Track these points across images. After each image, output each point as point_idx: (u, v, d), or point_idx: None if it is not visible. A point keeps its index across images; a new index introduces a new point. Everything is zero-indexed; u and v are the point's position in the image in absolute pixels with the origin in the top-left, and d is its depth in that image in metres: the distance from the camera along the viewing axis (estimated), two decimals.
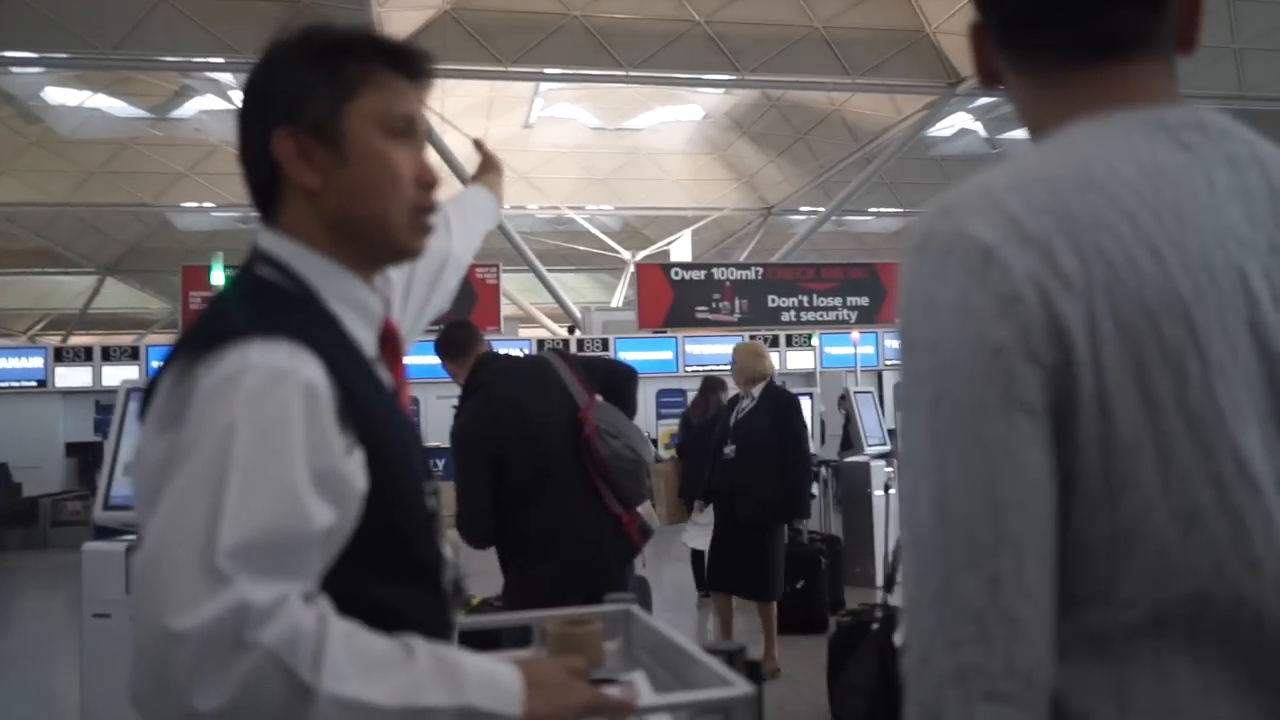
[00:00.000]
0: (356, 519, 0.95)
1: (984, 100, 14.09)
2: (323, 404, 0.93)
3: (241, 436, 0.87)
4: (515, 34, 11.65)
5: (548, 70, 12.33)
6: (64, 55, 11.35)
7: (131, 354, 13.25)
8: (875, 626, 3.63)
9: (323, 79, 1.06)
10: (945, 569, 0.69)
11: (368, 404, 1.00)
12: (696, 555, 7.07)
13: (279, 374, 0.92)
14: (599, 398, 3.28)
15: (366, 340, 1.09)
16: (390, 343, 1.15)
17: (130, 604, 0.91)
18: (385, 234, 1.08)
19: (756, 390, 5.32)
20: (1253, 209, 0.76)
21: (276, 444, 0.89)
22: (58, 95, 14.77)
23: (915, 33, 12.09)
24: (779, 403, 5.16)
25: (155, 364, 13.48)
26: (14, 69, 13.13)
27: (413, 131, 1.10)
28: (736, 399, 5.68)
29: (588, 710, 0.96)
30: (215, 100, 14.92)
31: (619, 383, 3.49)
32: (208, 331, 0.99)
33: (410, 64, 1.10)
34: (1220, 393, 0.70)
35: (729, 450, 5.30)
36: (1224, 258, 0.73)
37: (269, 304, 1.02)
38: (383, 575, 0.99)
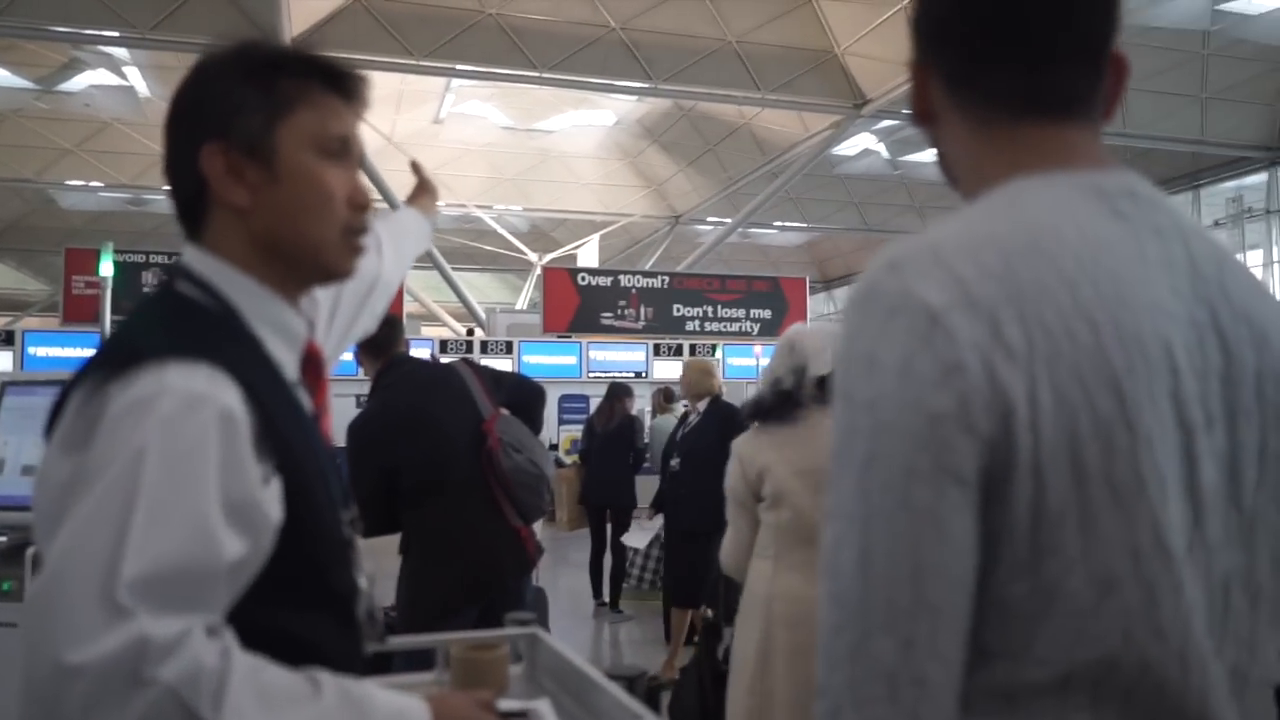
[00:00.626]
0: (269, 549, 0.92)
1: (887, 123, 14.47)
2: (240, 431, 0.90)
3: (152, 462, 0.84)
4: (428, 27, 11.49)
5: (460, 66, 12.19)
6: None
7: (6, 339, 12.48)
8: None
9: (256, 95, 1.03)
10: (862, 627, 0.70)
11: (286, 431, 0.97)
12: (595, 563, 7.10)
13: (195, 399, 0.88)
14: (505, 411, 3.25)
15: (288, 363, 1.07)
16: (313, 365, 1.12)
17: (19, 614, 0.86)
18: (316, 255, 1.06)
19: (703, 405, 5.47)
20: (1176, 282, 0.78)
21: (188, 472, 0.85)
22: None
23: (824, 53, 12.37)
24: (723, 416, 5.29)
25: (32, 350, 12.73)
26: None
27: (346, 152, 1.08)
28: (685, 414, 5.90)
29: None
30: (108, 75, 14.29)
31: (527, 398, 3.49)
32: (123, 350, 0.95)
33: (346, 84, 1.09)
34: (1145, 465, 0.72)
35: (674, 463, 5.45)
36: (1153, 330, 0.75)
37: (189, 325, 0.99)
38: (294, 606, 0.96)
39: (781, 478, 2.59)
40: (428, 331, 16.12)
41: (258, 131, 1.02)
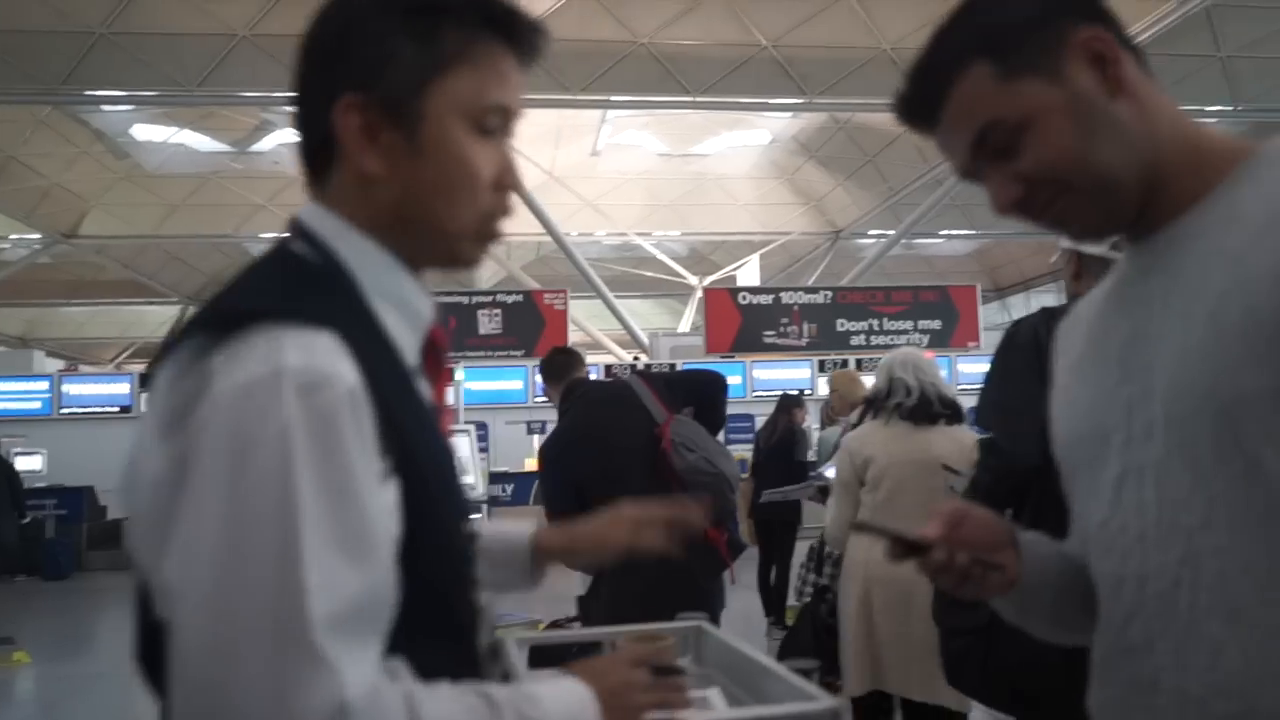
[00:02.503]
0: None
1: None
2: (366, 414, 0.76)
3: (301, 468, 0.71)
4: (582, 62, 11.80)
5: (614, 98, 12.48)
6: (152, 93, 11.85)
7: None
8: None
9: (410, 44, 0.86)
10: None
11: (408, 424, 0.82)
12: (763, 579, 6.99)
13: (322, 378, 0.74)
14: (689, 411, 3.32)
15: (409, 346, 0.90)
16: (434, 354, 0.96)
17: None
18: (445, 239, 0.91)
19: (854, 415, 5.39)
20: None
21: (340, 477, 0.73)
22: (145, 132, 15.38)
23: None
24: None
25: None
26: (105, 107, 13.72)
27: (504, 126, 0.92)
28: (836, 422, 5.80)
29: (653, 704, 0.89)
30: (293, 134, 15.34)
31: (704, 392, 3.53)
32: (228, 309, 0.81)
33: (521, 36, 0.91)
34: None
35: (828, 471, 5.39)
36: None
37: (304, 285, 0.84)
38: (407, 637, 0.79)
39: (884, 465, 3.31)
40: (593, 359, 16.42)
41: (405, 89, 0.86)
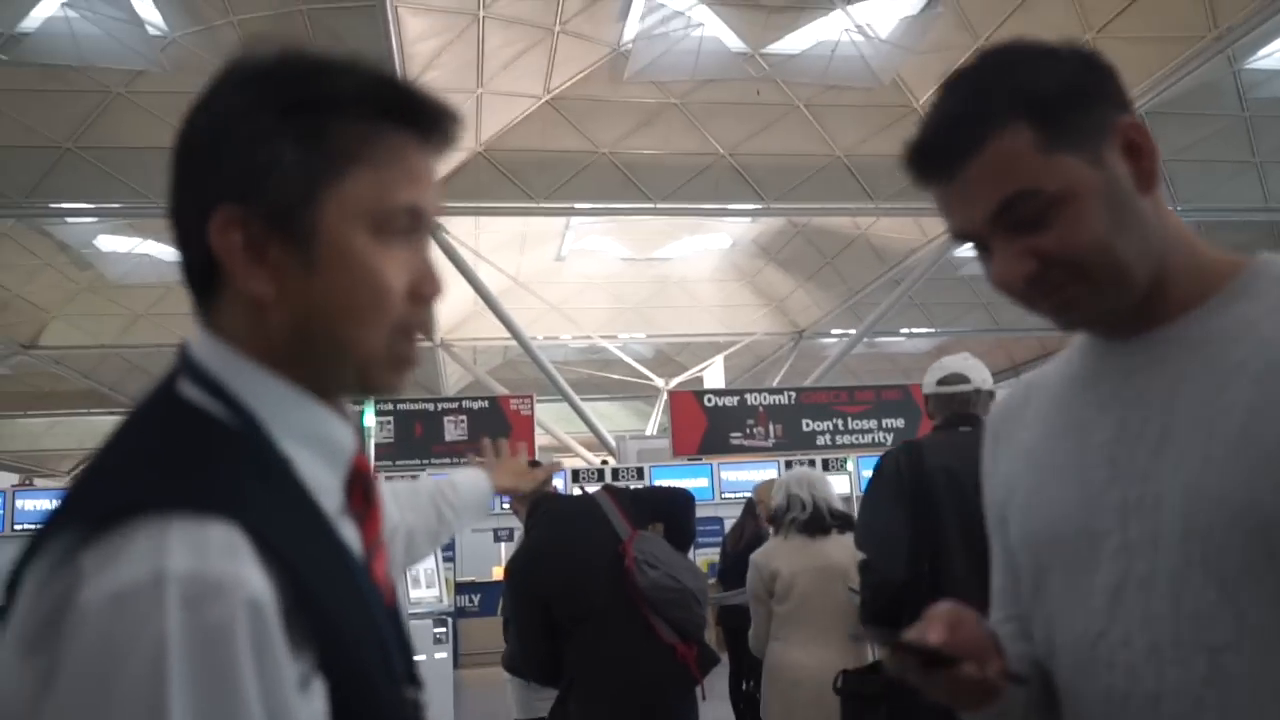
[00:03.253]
0: None
1: None
2: (270, 625, 0.64)
3: (179, 700, 0.59)
4: (546, 171, 12.08)
5: (578, 205, 12.72)
6: (117, 205, 11.90)
7: None
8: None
9: (295, 146, 0.73)
10: None
11: (329, 606, 0.70)
12: (734, 689, 6.84)
13: (214, 587, 0.62)
14: (658, 527, 3.38)
15: (329, 487, 0.78)
16: (361, 488, 0.82)
17: None
18: (354, 366, 0.77)
19: None
20: None
21: (229, 708, 0.61)
22: (109, 243, 15.41)
23: None
24: None
25: None
26: (69, 219, 13.75)
27: (416, 226, 0.78)
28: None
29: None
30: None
31: (671, 510, 3.58)
32: (102, 493, 0.68)
33: (429, 125, 0.78)
34: None
35: None
36: None
37: (196, 453, 0.70)
38: None
39: (789, 576, 3.67)
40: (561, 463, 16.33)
41: (294, 199, 0.73)
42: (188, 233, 0.76)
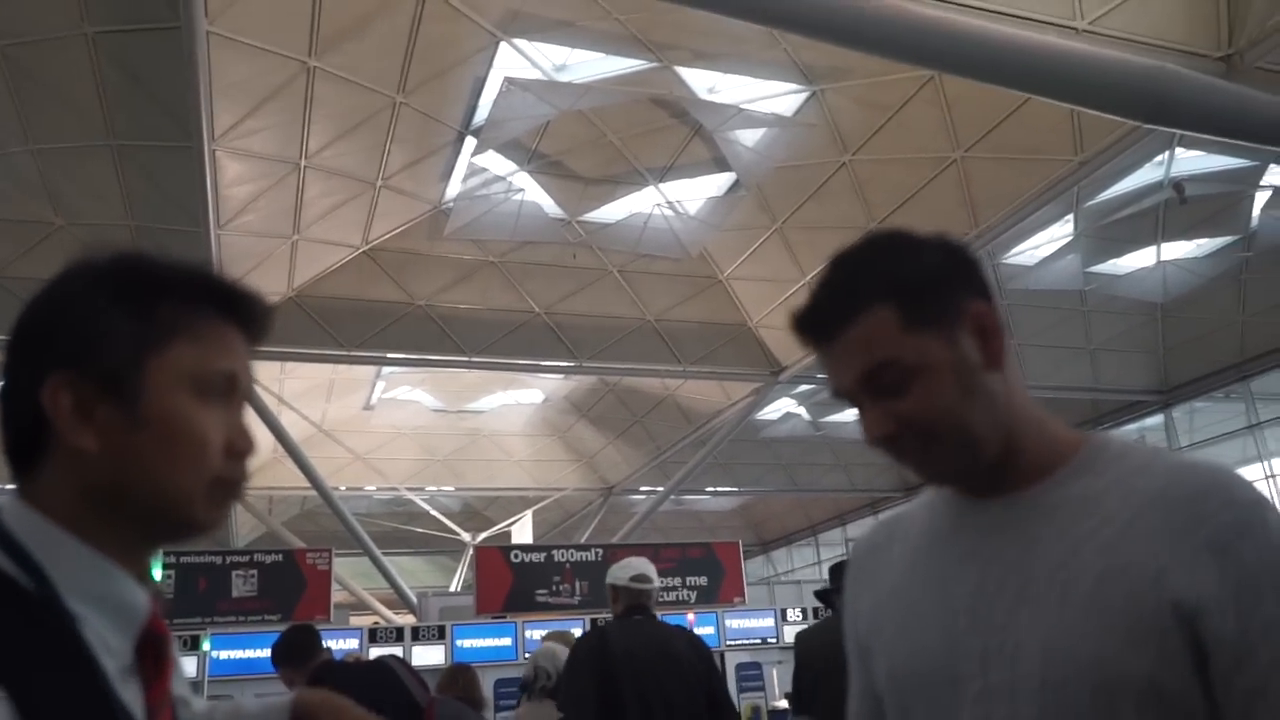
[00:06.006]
0: None
1: (805, 387, 15.17)
2: None
3: None
4: (359, 320, 11.96)
5: (390, 355, 12.61)
6: None
7: None
8: None
9: (127, 322, 0.84)
10: None
11: None
12: None
13: None
14: (454, 691, 3.32)
15: (117, 648, 0.82)
16: (153, 648, 0.86)
17: None
18: (173, 511, 0.85)
19: None
20: None
21: None
22: None
23: (739, 326, 13.15)
24: None
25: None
26: None
27: (232, 389, 0.89)
28: None
29: None
30: None
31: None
32: None
33: (243, 310, 0.91)
34: None
35: None
36: None
37: None
38: None
39: None
40: (356, 621, 15.50)
41: (121, 366, 0.83)
42: (18, 402, 0.84)
